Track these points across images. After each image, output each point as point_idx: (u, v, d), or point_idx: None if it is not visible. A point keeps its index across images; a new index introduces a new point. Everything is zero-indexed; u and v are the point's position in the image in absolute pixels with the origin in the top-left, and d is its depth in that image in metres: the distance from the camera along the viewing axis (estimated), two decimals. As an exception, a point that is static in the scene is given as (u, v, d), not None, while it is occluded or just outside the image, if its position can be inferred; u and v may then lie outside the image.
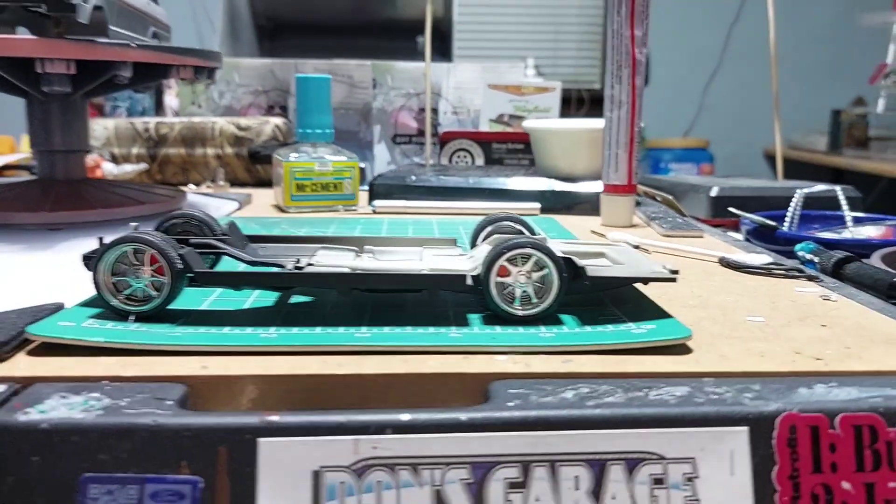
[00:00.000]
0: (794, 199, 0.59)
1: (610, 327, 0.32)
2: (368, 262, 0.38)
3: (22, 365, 0.29)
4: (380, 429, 0.25)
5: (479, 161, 0.89)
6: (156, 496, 0.24)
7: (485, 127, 0.96)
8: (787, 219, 0.58)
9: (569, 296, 0.33)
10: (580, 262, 0.33)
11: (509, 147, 0.89)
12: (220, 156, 0.84)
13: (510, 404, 0.26)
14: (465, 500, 0.24)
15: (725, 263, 0.45)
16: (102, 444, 0.24)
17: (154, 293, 0.33)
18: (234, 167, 0.84)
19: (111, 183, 0.63)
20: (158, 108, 0.99)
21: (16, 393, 0.27)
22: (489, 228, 0.41)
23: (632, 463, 0.25)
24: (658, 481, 0.25)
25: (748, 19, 2.82)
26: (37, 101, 0.57)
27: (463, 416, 0.25)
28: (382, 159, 0.97)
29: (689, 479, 0.25)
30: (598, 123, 0.68)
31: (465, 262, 0.37)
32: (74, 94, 0.56)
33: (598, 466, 0.25)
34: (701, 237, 0.55)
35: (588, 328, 0.32)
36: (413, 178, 0.68)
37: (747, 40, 2.83)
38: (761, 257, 0.45)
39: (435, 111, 0.99)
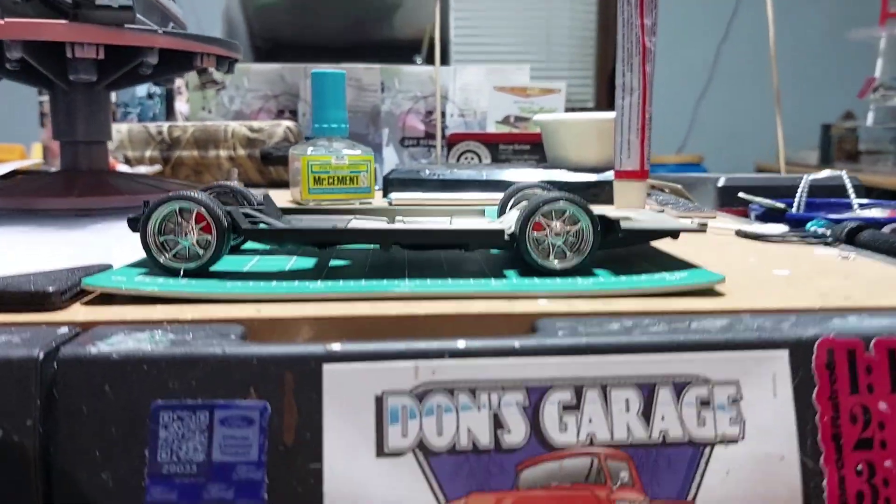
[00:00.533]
0: (801, 184, 0.60)
1: (644, 276, 0.33)
2: (403, 226, 0.39)
3: (81, 313, 0.30)
4: (438, 354, 0.26)
5: (486, 162, 0.91)
6: (225, 422, 0.25)
7: (491, 128, 0.98)
8: (796, 202, 0.60)
9: (602, 249, 0.34)
10: (613, 217, 0.35)
11: (515, 148, 0.91)
12: (232, 157, 0.85)
13: (561, 333, 0.27)
14: (522, 422, 0.25)
15: (743, 234, 0.46)
16: (172, 373, 0.25)
17: (200, 251, 0.34)
18: (246, 168, 0.85)
19: (133, 175, 0.64)
20: (169, 114, 1.01)
21: (78, 334, 0.28)
22: (518, 195, 0.43)
23: (679, 386, 0.26)
24: (704, 403, 0.26)
25: (737, 37, 2.88)
26: (61, 92, 0.58)
27: (516, 343, 0.26)
28: (391, 162, 0.99)
29: (734, 401, 0.26)
30: (607, 115, 0.70)
31: (497, 225, 0.38)
32: (98, 84, 0.57)
33: (647, 389, 0.26)
34: (714, 217, 0.57)
35: (623, 277, 0.33)
36: (427, 171, 0.70)
37: (736, 58, 2.88)
38: (778, 227, 0.46)
39: (442, 114, 1.00)
